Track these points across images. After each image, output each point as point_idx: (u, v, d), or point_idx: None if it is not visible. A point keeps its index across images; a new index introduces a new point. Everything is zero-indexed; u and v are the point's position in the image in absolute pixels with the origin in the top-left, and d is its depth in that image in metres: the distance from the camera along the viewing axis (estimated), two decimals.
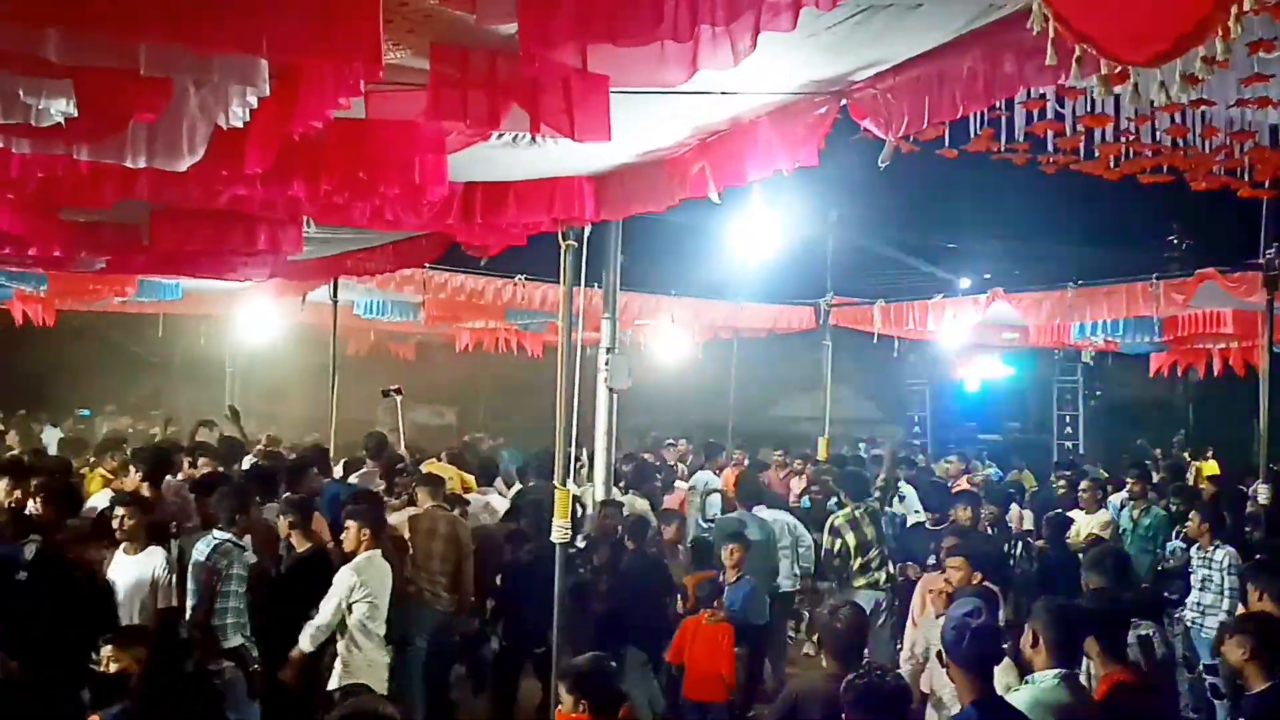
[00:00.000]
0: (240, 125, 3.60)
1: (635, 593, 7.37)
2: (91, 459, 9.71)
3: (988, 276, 12.02)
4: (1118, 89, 2.91)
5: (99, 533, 6.45)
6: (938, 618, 5.65)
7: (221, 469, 8.45)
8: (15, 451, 10.87)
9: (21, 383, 17.86)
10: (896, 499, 10.43)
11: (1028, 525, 10.40)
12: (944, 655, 4.09)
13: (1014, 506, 10.90)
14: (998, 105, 5.74)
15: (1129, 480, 10.72)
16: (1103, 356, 17.46)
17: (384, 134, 4.59)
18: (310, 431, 14.47)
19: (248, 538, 6.64)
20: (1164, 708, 5.20)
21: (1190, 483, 13.66)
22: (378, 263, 9.13)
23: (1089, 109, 5.98)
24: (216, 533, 6.38)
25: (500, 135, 4.80)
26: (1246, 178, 6.91)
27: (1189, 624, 7.91)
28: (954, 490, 10.74)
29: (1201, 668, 7.69)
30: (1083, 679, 4.73)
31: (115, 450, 9.19)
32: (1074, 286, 11.01)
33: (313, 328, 14.58)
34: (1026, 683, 4.42)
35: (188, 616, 6.19)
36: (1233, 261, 9.51)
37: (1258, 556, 7.29)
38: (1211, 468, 16.08)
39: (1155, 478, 12.40)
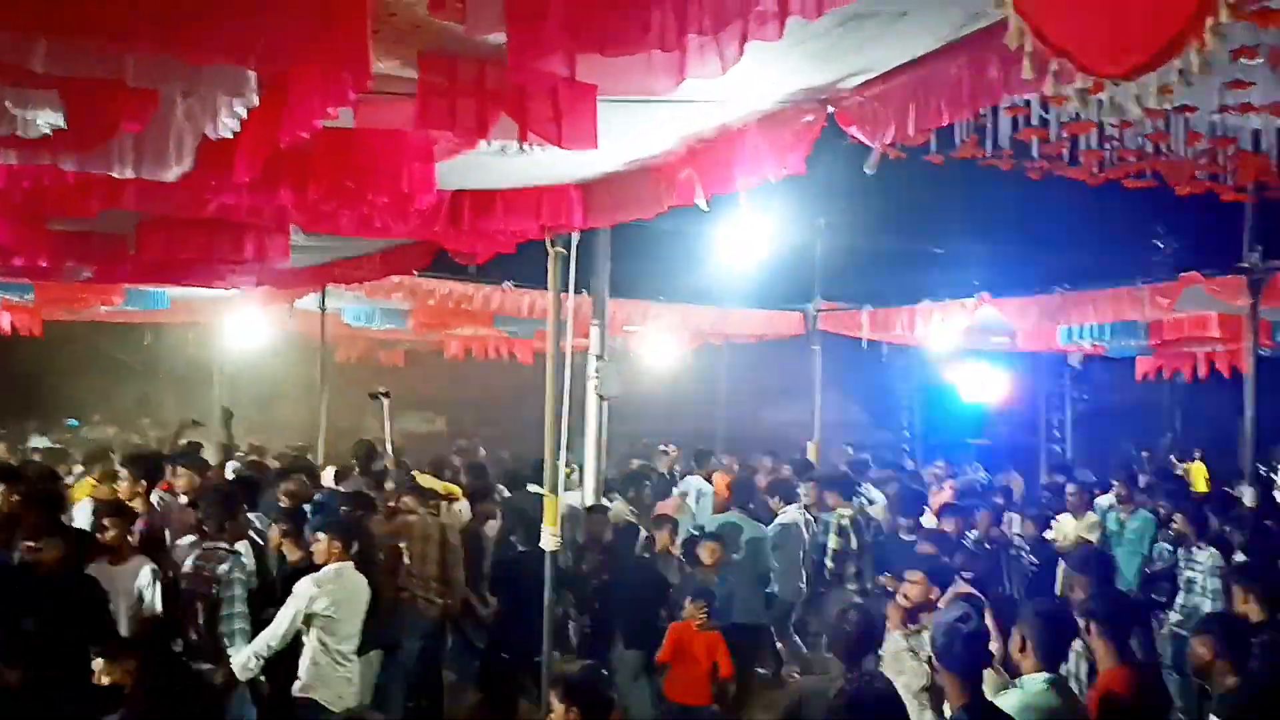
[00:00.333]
0: (229, 135, 3.60)
1: (629, 597, 7.40)
2: (78, 468, 9.67)
3: (976, 284, 12.03)
4: (1098, 97, 2.93)
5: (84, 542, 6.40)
6: (893, 632, 5.65)
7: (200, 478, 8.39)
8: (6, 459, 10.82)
9: (9, 392, 17.77)
10: (866, 503, 10.35)
11: (1017, 529, 10.41)
12: (934, 660, 4.12)
13: (1005, 514, 10.91)
14: (983, 112, 5.79)
15: (1115, 484, 10.77)
16: (1090, 360, 17.55)
17: (372, 142, 4.60)
18: (299, 439, 14.42)
19: (244, 544, 6.61)
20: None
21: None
22: (366, 271, 9.13)
23: (1074, 115, 6.02)
24: (208, 542, 6.33)
25: (489, 144, 4.81)
26: (1230, 182, 6.97)
27: (1175, 626, 7.95)
28: (934, 495, 10.78)
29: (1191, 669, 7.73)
30: (1071, 683, 4.77)
31: (102, 460, 9.16)
32: (1060, 291, 11.06)
33: (301, 336, 14.54)
34: (1015, 686, 4.45)
35: (195, 627, 6.12)
36: (1217, 265, 9.57)
37: (1242, 559, 7.34)
38: (1201, 471, 16.14)
39: (1142, 481, 12.47)
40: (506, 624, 7.44)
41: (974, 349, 17.18)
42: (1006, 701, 4.28)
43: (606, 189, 6.14)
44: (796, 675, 9.18)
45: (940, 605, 6.09)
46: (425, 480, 9.14)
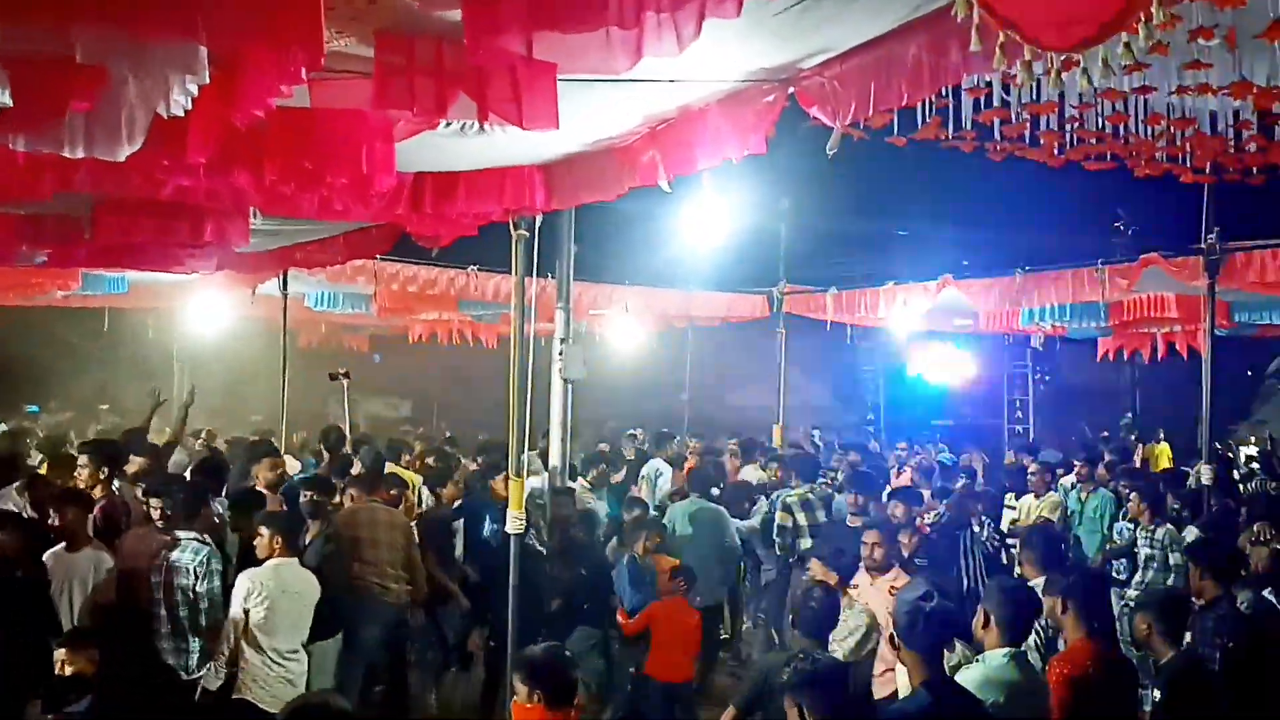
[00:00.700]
0: (181, 114, 3.53)
1: (584, 577, 7.49)
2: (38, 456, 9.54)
3: (939, 266, 12.12)
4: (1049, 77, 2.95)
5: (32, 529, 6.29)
6: None
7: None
8: None
9: None
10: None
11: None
12: (895, 637, 4.14)
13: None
14: (945, 93, 5.80)
15: (1077, 464, 10.90)
16: (1051, 341, 17.71)
17: (330, 123, 4.53)
18: (263, 426, 14.30)
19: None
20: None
21: (1140, 465, 13.95)
22: (328, 255, 9.02)
23: (1034, 96, 6.05)
24: (179, 531, 6.18)
25: (448, 124, 4.77)
26: (1188, 164, 7.04)
27: (1133, 602, 8.06)
28: (896, 477, 10.83)
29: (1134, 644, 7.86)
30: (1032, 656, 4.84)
31: (59, 448, 9.03)
32: (1022, 273, 11.15)
33: (263, 321, 14.41)
34: (977, 661, 4.50)
35: (164, 619, 6.02)
36: (1176, 246, 9.67)
37: (1200, 536, 7.45)
38: (1165, 451, 16.36)
39: (1106, 458, 12.63)
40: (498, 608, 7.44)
41: (938, 331, 17.31)
42: (968, 676, 4.33)
43: (569, 170, 6.10)
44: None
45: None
46: (397, 470, 9.16)
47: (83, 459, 7.44)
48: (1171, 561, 7.93)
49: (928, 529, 8.12)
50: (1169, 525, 8.13)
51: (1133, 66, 5.08)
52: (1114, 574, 8.94)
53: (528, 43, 3.29)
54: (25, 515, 6.67)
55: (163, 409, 9.94)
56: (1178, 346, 13.89)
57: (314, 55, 3.09)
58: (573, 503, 8.21)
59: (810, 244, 16.31)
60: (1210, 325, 9.31)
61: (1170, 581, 7.75)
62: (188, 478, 7.46)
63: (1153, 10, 1.96)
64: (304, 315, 14.14)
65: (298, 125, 4.52)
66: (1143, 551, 8.24)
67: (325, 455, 9.87)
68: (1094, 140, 6.65)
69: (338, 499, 7.78)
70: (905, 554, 7.08)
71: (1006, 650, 4.37)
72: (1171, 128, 6.34)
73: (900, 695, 4.95)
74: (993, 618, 4.45)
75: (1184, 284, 9.84)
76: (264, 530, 6.23)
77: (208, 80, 3.30)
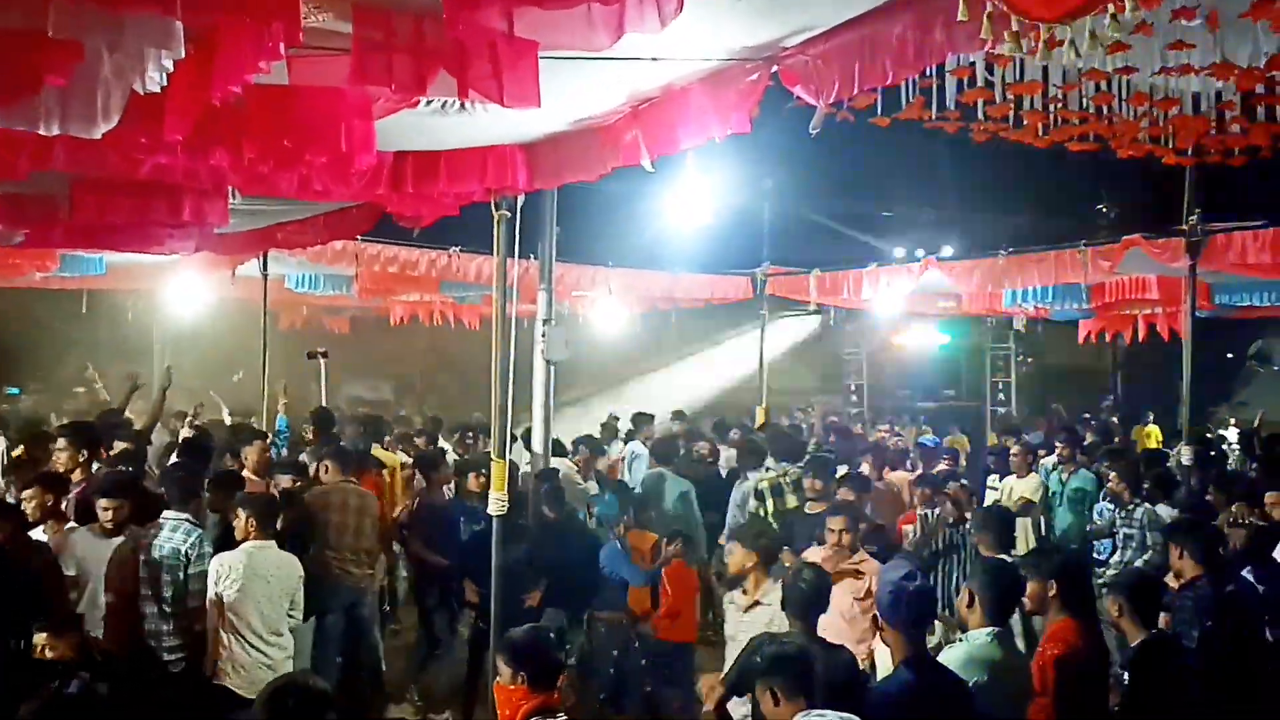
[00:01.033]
0: (157, 90, 3.49)
1: (557, 557, 7.46)
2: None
3: (920, 252, 12.15)
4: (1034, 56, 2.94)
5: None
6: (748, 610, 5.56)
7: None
8: None
9: None
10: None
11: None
12: (879, 617, 4.15)
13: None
14: (929, 73, 5.79)
15: (1058, 445, 10.94)
16: (1034, 323, 17.78)
17: (308, 100, 4.48)
18: (244, 407, 14.21)
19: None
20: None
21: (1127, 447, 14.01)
22: (308, 235, 8.95)
23: (1018, 77, 6.05)
24: (171, 515, 6.11)
25: (429, 102, 4.73)
26: (1170, 145, 7.05)
27: (1112, 582, 8.11)
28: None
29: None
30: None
31: (37, 431, 8.95)
32: (1005, 254, 11.16)
33: (243, 302, 14.29)
34: (961, 640, 4.52)
35: (153, 605, 5.95)
36: (1158, 228, 9.70)
37: (1179, 516, 7.49)
38: (1155, 433, 16.45)
39: (1087, 440, 12.69)
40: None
41: (921, 313, 17.33)
42: (951, 655, 4.35)
43: (551, 150, 6.07)
44: None
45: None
46: (380, 453, 9.15)
47: (61, 442, 7.35)
48: (1149, 541, 7.98)
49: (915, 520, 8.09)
50: (1147, 505, 8.17)
51: (1116, 46, 5.08)
52: (1095, 554, 9.00)
53: (508, 19, 3.26)
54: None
55: (141, 391, 9.87)
56: (1159, 328, 13.96)
57: (292, 31, 3.06)
58: (556, 486, 8.18)
59: (794, 225, 16.30)
60: (1191, 307, 9.36)
61: (1147, 560, 7.79)
62: (173, 458, 7.41)
63: None
64: (285, 297, 14.05)
65: (276, 103, 4.48)
66: (1121, 531, 8.29)
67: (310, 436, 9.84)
68: (1077, 121, 6.66)
69: (314, 468, 7.78)
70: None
71: (990, 629, 4.39)
72: (1154, 108, 6.35)
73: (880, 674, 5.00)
74: (977, 597, 4.46)
75: (1165, 265, 9.87)
76: (240, 512, 6.19)
77: (183, 56, 3.26)
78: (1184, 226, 9.12)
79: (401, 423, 14.45)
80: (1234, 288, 11.83)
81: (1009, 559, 5.91)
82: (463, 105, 4.81)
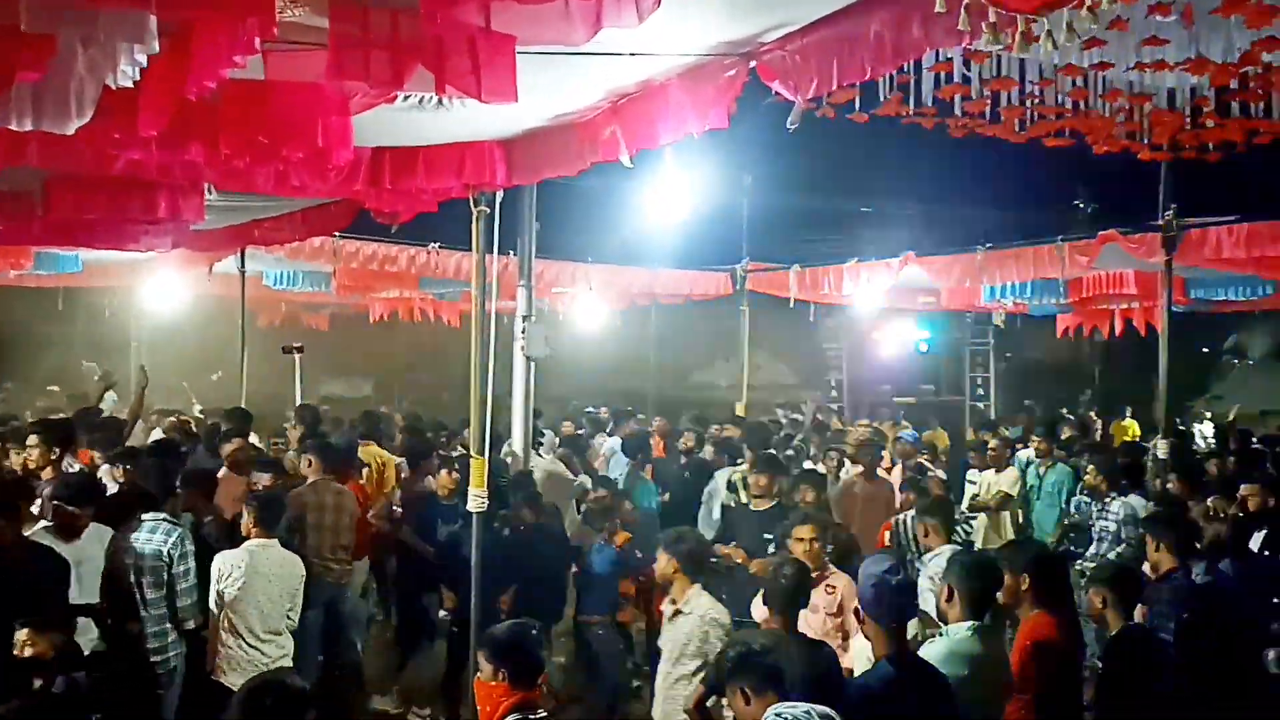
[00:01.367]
0: (130, 85, 3.45)
1: (527, 562, 7.44)
2: None
3: (901, 243, 12.18)
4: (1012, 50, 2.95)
5: None
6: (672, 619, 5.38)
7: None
8: None
9: None
10: None
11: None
12: (859, 611, 4.16)
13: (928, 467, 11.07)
14: (907, 69, 5.81)
15: (1035, 438, 11.00)
16: (1013, 319, 17.86)
17: (285, 96, 4.45)
18: (221, 405, 14.13)
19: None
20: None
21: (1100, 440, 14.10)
22: (286, 232, 8.90)
23: (995, 72, 6.07)
24: (150, 516, 6.01)
25: (406, 97, 4.71)
26: (1146, 141, 7.10)
27: (1086, 575, 8.16)
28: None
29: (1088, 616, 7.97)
30: None
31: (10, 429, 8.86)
32: (983, 250, 11.20)
33: (221, 299, 14.22)
34: (941, 635, 4.54)
35: (140, 606, 5.87)
36: (1134, 223, 9.76)
37: (1155, 509, 7.54)
38: (1132, 427, 16.55)
39: (1065, 434, 12.77)
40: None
41: (900, 308, 17.38)
42: (931, 650, 4.36)
43: (530, 146, 6.05)
44: None
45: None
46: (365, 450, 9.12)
47: (33, 439, 7.24)
48: (1123, 534, 8.04)
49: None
50: (1123, 498, 8.23)
51: (1091, 42, 5.12)
52: (1071, 548, 9.05)
53: (485, 13, 3.25)
54: None
55: (117, 389, 9.80)
56: (1136, 323, 14.04)
57: (266, 24, 3.04)
58: (533, 482, 8.17)
59: (773, 221, 16.33)
60: (1168, 301, 9.42)
61: (1120, 554, 7.84)
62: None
63: None
64: (263, 294, 13.99)
65: (252, 98, 4.44)
66: (1097, 524, 8.35)
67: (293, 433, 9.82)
68: (1054, 117, 6.69)
69: (298, 461, 7.77)
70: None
71: (970, 623, 4.41)
72: (1130, 104, 6.39)
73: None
74: (956, 591, 4.48)
75: (1142, 260, 9.93)
76: (245, 510, 6.18)
77: (157, 50, 3.23)
78: (1160, 222, 9.18)
79: (382, 419, 14.38)
80: (1209, 282, 11.92)
81: (959, 546, 5.96)
82: (440, 101, 4.81)
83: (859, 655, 5.24)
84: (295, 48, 4.03)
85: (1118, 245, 9.68)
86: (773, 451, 9.43)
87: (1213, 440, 15.39)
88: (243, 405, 10.53)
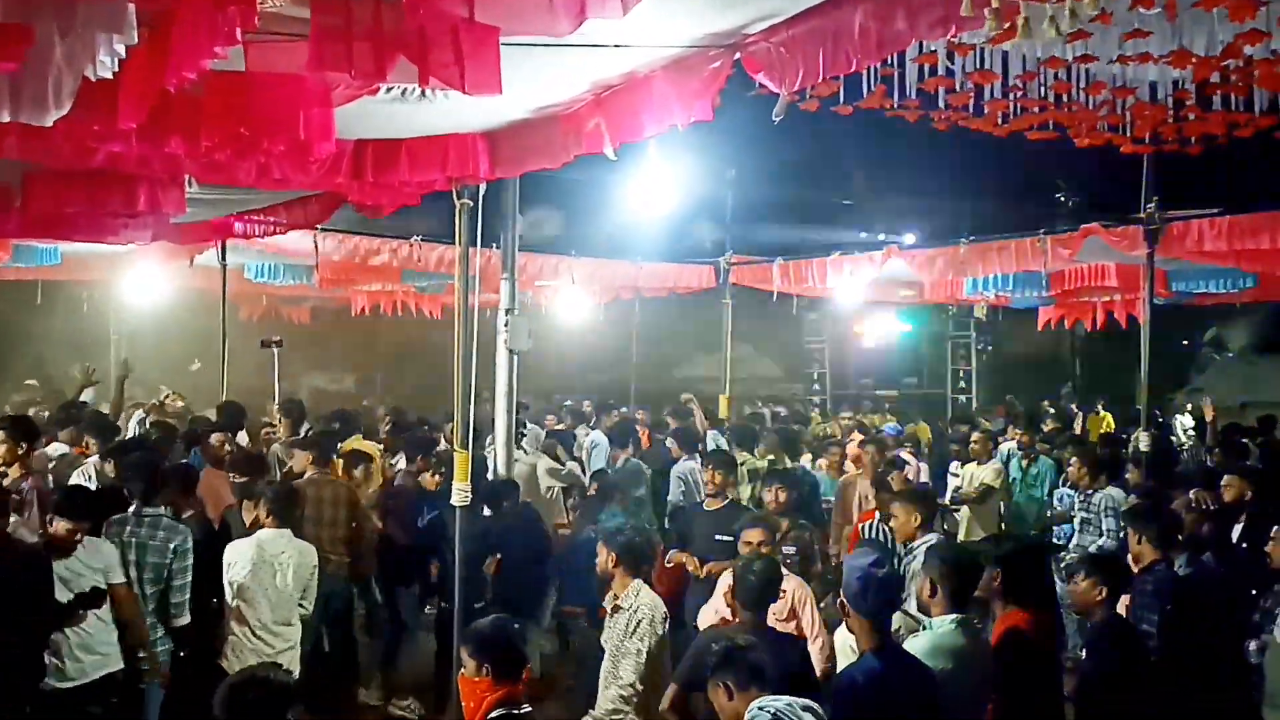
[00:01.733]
0: (110, 76, 3.41)
1: (506, 555, 7.42)
2: None
3: (881, 237, 12.21)
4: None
5: None
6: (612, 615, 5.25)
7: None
8: None
9: None
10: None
11: (924, 478, 10.59)
12: (845, 605, 4.16)
13: (909, 461, 11.08)
14: (891, 62, 5.80)
15: (1016, 431, 11.05)
16: (995, 311, 17.92)
17: (266, 87, 4.41)
18: (202, 400, 14.04)
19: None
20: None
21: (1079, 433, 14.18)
22: (267, 224, 8.85)
23: (978, 65, 6.07)
24: (150, 511, 5.96)
25: (389, 89, 4.67)
26: (1128, 134, 7.11)
27: (1069, 566, 8.20)
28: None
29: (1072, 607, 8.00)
30: None
31: None
32: (965, 243, 11.22)
33: (202, 292, 14.11)
34: (925, 629, 4.55)
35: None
36: (1116, 216, 9.80)
37: (1136, 500, 7.58)
38: (1107, 420, 16.63)
39: (1046, 427, 12.82)
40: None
41: (883, 301, 17.42)
42: (916, 644, 4.37)
43: (513, 138, 6.02)
44: None
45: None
46: (358, 443, 9.08)
47: None
48: (1105, 526, 8.08)
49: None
50: (1105, 490, 8.27)
51: (1075, 35, 5.12)
52: (1054, 540, 9.10)
53: (469, 4, 3.22)
54: None
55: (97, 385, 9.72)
56: (1117, 315, 14.09)
57: (248, 16, 3.01)
58: (516, 492, 8.15)
59: (757, 214, 16.33)
60: (1149, 294, 9.46)
61: (1101, 546, 7.88)
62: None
63: None
64: (244, 287, 13.89)
65: (232, 90, 4.40)
66: (1079, 516, 8.39)
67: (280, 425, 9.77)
68: (1037, 109, 6.70)
69: (289, 455, 7.71)
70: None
71: (953, 616, 4.41)
72: (1113, 97, 6.40)
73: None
74: (937, 585, 4.48)
75: (1124, 253, 9.97)
76: (248, 502, 6.20)
77: (136, 40, 3.19)
78: (1142, 215, 9.21)
79: (365, 414, 14.35)
80: (1191, 275, 11.97)
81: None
82: (423, 92, 4.78)
83: (842, 648, 5.24)
84: (276, 39, 3.99)
85: (1100, 238, 9.72)
86: (724, 449, 9.48)
87: (1193, 432, 15.49)
88: (224, 398, 10.49)
